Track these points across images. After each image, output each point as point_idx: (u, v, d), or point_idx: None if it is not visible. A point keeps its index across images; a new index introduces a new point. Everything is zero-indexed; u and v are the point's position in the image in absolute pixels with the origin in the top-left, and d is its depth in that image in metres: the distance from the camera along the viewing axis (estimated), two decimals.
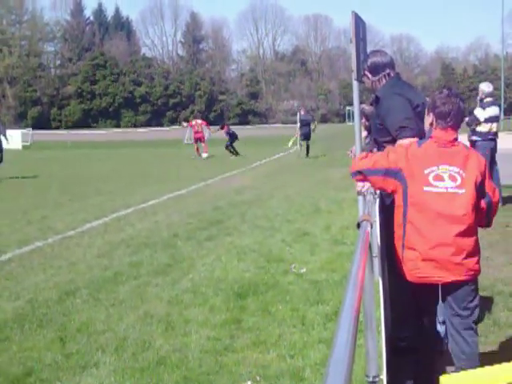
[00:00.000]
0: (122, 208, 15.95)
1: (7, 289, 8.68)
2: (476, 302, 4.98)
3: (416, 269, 4.74)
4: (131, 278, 9.02)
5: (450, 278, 4.71)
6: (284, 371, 5.66)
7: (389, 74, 6.09)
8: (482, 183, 4.83)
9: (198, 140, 38.44)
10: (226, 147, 38.31)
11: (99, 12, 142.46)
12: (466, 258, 4.72)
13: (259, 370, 5.72)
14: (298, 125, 37.08)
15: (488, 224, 5.09)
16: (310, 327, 6.74)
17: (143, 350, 6.32)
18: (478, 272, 4.88)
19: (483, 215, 4.94)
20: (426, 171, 4.72)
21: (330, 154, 35.44)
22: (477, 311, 5.05)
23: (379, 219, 4.93)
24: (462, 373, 4.01)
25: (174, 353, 6.19)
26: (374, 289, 4.09)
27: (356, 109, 7.20)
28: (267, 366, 5.81)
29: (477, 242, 4.86)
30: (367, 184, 5.32)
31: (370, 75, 6.20)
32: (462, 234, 4.70)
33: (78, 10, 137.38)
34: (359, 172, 5.02)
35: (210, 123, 47.85)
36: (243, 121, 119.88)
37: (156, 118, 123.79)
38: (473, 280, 4.89)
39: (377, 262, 4.71)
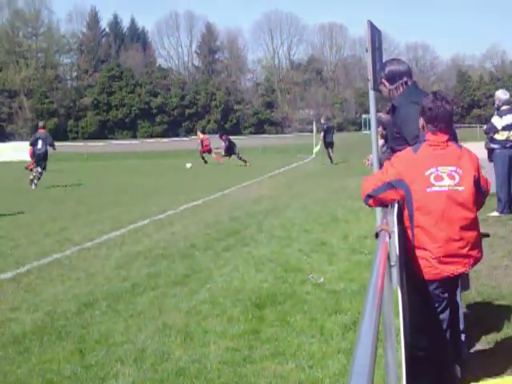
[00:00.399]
0: (139, 219, 15.97)
1: (26, 301, 8.70)
2: None
3: (429, 267, 5.02)
4: (149, 289, 9.02)
5: (460, 269, 5.10)
6: (303, 382, 5.64)
7: (406, 83, 6.09)
8: (478, 178, 5.16)
9: (207, 152, 40.31)
10: (229, 155, 39.09)
11: (115, 23, 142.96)
12: (471, 249, 5.10)
13: (278, 381, 5.70)
14: (323, 133, 37.43)
15: (479, 208, 5.38)
16: (328, 337, 6.71)
17: (162, 361, 6.31)
18: (480, 259, 5.34)
19: (479, 205, 5.32)
20: (427, 173, 4.95)
21: (347, 163, 35.41)
22: None
23: (397, 229, 4.92)
24: (483, 382, 3.99)
25: (192, 364, 6.18)
26: (393, 298, 4.07)
27: (373, 117, 7.20)
28: (286, 376, 5.79)
29: (479, 232, 5.25)
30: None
31: (387, 83, 6.20)
32: (466, 228, 5.04)
33: (94, 21, 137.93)
34: (369, 196, 5.18)
35: (226, 133, 48.29)
36: (259, 130, 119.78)
37: (172, 129, 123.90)
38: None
39: (395, 272, 4.69)
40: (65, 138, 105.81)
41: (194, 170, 36.34)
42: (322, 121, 39.81)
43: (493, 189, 14.28)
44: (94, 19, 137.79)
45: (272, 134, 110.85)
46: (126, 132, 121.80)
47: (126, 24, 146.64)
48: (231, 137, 43.30)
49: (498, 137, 13.82)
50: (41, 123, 29.67)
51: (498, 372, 5.57)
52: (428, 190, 4.94)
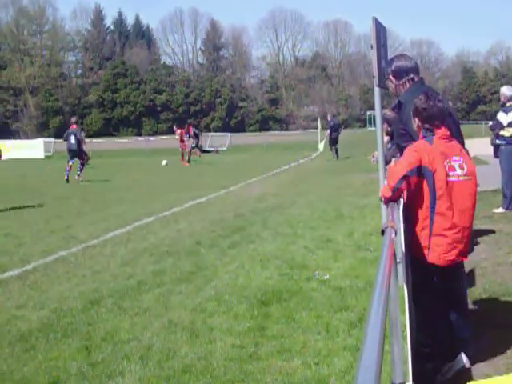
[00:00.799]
0: (145, 216, 15.98)
1: (32, 298, 8.71)
2: None
3: (445, 252, 5.21)
4: (155, 287, 9.03)
5: (464, 256, 5.41)
6: (309, 379, 5.64)
7: (413, 79, 6.08)
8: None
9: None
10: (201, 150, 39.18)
11: (119, 21, 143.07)
12: (469, 237, 5.40)
13: (284, 378, 5.70)
14: (329, 131, 37.54)
15: None
16: (334, 334, 6.71)
17: (168, 358, 6.32)
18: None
19: None
20: (445, 163, 5.17)
21: (351, 160, 35.38)
22: None
23: (403, 225, 4.92)
24: (489, 379, 3.99)
25: (198, 361, 6.19)
26: (399, 295, 4.07)
27: (378, 114, 7.18)
28: (292, 373, 5.79)
29: None
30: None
31: (393, 79, 6.19)
32: (472, 216, 5.39)
33: (99, 19, 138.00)
34: (391, 192, 5.22)
35: (231, 130, 48.44)
36: (263, 127, 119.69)
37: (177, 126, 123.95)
38: None
39: (401, 268, 4.70)
40: None
41: (197, 167, 36.33)
42: (329, 118, 39.88)
43: (498, 185, 14.34)
44: (98, 17, 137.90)
45: (277, 130, 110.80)
46: (130, 129, 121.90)
47: (130, 21, 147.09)
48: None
49: (503, 133, 13.78)
50: (73, 119, 31.33)
51: (504, 369, 5.57)
52: (448, 179, 5.16)
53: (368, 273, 8.92)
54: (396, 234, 4.30)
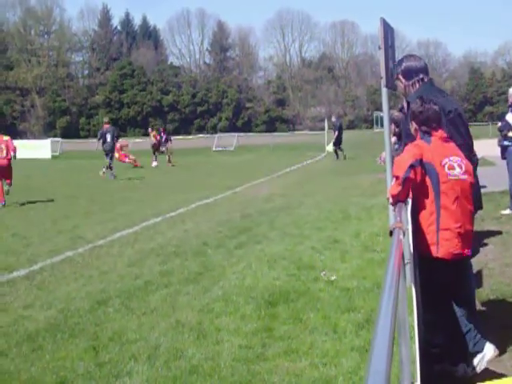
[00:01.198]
0: (151, 217, 15.99)
1: (39, 298, 8.73)
2: None
3: (452, 246, 5.27)
4: (162, 287, 9.03)
5: (467, 252, 5.43)
6: (316, 380, 5.63)
7: (422, 79, 6.07)
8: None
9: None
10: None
11: (126, 21, 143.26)
12: (471, 232, 5.46)
13: (292, 379, 5.69)
14: (337, 133, 37.66)
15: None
16: (342, 335, 6.69)
17: (175, 358, 6.32)
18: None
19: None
20: (443, 162, 5.27)
21: (358, 161, 35.35)
22: None
23: (411, 226, 4.92)
24: (497, 381, 3.99)
25: (206, 361, 6.18)
26: (407, 296, 4.06)
27: (385, 115, 7.19)
28: (299, 374, 5.78)
29: None
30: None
31: (403, 79, 6.18)
32: (472, 213, 5.49)
33: (106, 19, 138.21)
34: (400, 186, 5.24)
35: (238, 130, 48.48)
36: (270, 128, 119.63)
37: (184, 127, 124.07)
38: None
39: (409, 269, 4.69)
40: (76, 136, 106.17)
41: (204, 168, 36.35)
42: (333, 119, 39.92)
43: (506, 186, 14.31)
44: (105, 17, 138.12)
45: (283, 131, 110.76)
46: (137, 130, 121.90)
47: (137, 22, 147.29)
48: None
49: (511, 134, 13.74)
50: (106, 118, 32.63)
51: (511, 370, 5.56)
52: (449, 177, 5.26)
53: (375, 274, 8.91)
54: (404, 234, 4.30)
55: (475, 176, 5.91)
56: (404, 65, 6.20)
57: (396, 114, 9.33)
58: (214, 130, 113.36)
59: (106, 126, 30.62)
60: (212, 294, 8.54)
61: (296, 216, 15.18)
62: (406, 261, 4.56)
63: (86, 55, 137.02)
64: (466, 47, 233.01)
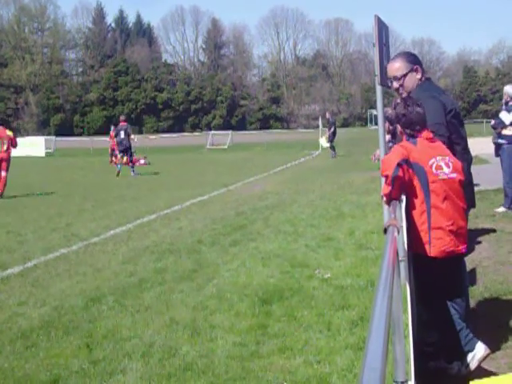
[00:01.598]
0: (146, 214, 15.99)
1: (33, 296, 8.72)
2: None
3: (444, 245, 5.28)
4: (156, 284, 9.02)
5: (463, 249, 5.45)
6: (311, 377, 5.63)
7: (420, 78, 6.06)
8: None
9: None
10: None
11: (121, 19, 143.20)
12: (465, 229, 5.47)
13: (286, 376, 5.69)
14: (332, 129, 37.92)
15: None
16: (336, 333, 6.69)
17: (169, 356, 6.31)
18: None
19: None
20: (430, 162, 5.27)
21: (353, 158, 35.39)
22: None
23: (405, 224, 4.92)
24: (492, 378, 4.00)
25: (200, 359, 6.18)
26: (401, 293, 4.07)
27: (380, 113, 7.19)
28: (294, 371, 5.78)
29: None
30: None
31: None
32: (464, 210, 5.48)
33: (100, 17, 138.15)
34: (390, 185, 5.23)
35: (232, 128, 48.40)
36: (264, 126, 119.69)
37: (178, 124, 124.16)
38: None
39: (403, 267, 4.69)
40: (70, 133, 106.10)
41: (199, 165, 36.34)
42: (328, 115, 40.11)
43: (500, 184, 14.33)
44: (99, 14, 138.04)
45: (278, 129, 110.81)
46: (131, 127, 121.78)
47: (131, 19, 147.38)
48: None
49: (505, 132, 13.76)
50: (122, 117, 32.52)
51: (506, 368, 5.57)
52: (437, 177, 5.26)
53: (369, 271, 8.92)
54: (398, 232, 4.30)
55: (469, 174, 5.92)
56: None
57: (390, 111, 9.32)
58: (208, 127, 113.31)
59: (122, 124, 31.06)
60: (206, 292, 8.53)
61: (290, 213, 15.18)
62: (400, 258, 4.56)
63: (79, 53, 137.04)
64: (460, 45, 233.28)
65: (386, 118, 9.28)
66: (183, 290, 8.70)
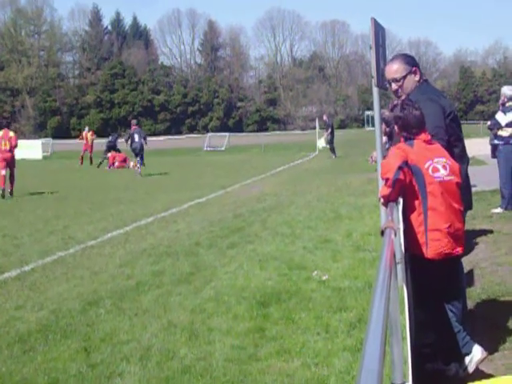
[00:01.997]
0: (143, 217, 15.98)
1: (31, 299, 8.71)
2: None
3: (442, 247, 5.27)
4: (154, 287, 9.02)
5: (460, 251, 5.43)
6: (309, 380, 5.63)
7: (419, 80, 6.06)
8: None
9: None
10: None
11: (117, 21, 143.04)
12: (462, 231, 5.47)
13: (284, 379, 5.68)
14: (329, 130, 38.15)
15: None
16: (333, 335, 6.69)
17: (167, 359, 6.31)
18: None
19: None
20: (426, 165, 5.26)
21: (350, 160, 35.40)
22: None
23: (403, 226, 4.93)
24: (489, 380, 3.99)
25: (198, 362, 6.18)
26: (398, 295, 4.07)
27: (376, 115, 7.18)
28: (292, 374, 5.77)
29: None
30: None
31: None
32: (461, 212, 5.49)
33: (96, 19, 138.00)
34: (390, 187, 5.21)
35: (229, 130, 48.49)
36: (261, 128, 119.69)
37: (175, 126, 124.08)
38: None
39: (400, 268, 4.69)
40: (67, 136, 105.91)
41: (196, 167, 36.32)
42: (325, 117, 40.24)
43: (497, 185, 14.34)
44: (96, 17, 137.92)
45: (275, 131, 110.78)
46: (128, 130, 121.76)
47: (128, 22, 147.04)
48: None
49: (501, 133, 13.78)
50: (134, 121, 33.64)
51: (503, 369, 5.57)
52: (434, 179, 5.25)
53: (367, 273, 8.92)
54: (395, 234, 4.30)
55: (467, 177, 5.92)
56: None
57: (387, 113, 9.31)
58: (205, 129, 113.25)
59: (134, 128, 32.04)
60: (204, 295, 8.53)
61: (287, 215, 15.18)
62: (397, 260, 4.56)
63: (76, 55, 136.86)
64: (457, 46, 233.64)
65: (383, 120, 9.28)
66: (181, 292, 8.70)
